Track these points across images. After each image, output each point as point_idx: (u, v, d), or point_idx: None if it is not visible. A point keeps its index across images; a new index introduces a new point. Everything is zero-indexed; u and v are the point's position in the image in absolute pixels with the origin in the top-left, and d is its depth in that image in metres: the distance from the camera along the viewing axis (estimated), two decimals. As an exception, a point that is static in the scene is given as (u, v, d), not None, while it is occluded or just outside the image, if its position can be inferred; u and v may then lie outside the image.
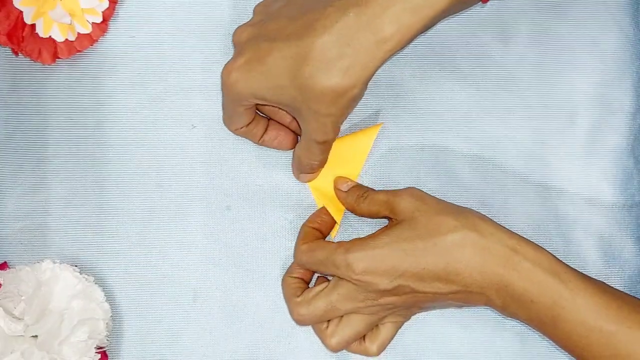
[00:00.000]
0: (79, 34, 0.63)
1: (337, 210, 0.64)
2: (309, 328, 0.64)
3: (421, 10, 0.53)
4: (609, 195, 0.65)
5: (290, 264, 0.64)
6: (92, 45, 0.64)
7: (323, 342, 0.61)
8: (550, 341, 0.58)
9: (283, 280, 0.63)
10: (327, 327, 0.61)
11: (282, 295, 0.64)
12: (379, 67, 0.55)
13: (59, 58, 0.64)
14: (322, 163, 0.62)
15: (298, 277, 0.62)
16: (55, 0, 0.62)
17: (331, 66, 0.54)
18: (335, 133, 0.58)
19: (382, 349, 0.61)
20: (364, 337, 0.61)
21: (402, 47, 0.54)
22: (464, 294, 0.57)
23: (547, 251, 0.57)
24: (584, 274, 0.57)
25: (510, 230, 0.58)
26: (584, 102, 0.65)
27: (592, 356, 0.55)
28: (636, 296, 0.63)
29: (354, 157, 0.64)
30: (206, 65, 0.65)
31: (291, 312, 0.61)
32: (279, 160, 0.65)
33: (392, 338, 0.61)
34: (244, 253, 0.65)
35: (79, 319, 0.60)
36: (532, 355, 0.64)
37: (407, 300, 0.58)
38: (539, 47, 0.66)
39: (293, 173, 0.64)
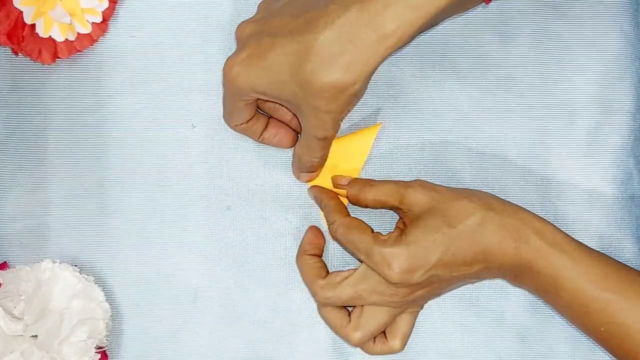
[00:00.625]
0: (79, 33, 0.64)
1: (337, 210, 0.64)
2: (309, 327, 0.64)
3: (422, 8, 0.53)
4: (609, 195, 0.65)
5: (290, 263, 0.64)
6: (92, 45, 0.64)
7: (344, 337, 0.60)
8: (555, 312, 0.61)
9: (300, 259, 0.62)
10: (349, 321, 0.60)
11: (281, 294, 0.64)
12: (380, 63, 0.55)
13: (59, 58, 0.64)
14: (322, 161, 0.62)
15: (315, 255, 0.62)
16: (55, 0, 0.62)
17: (332, 62, 0.54)
18: (335, 130, 0.58)
19: (405, 342, 0.61)
20: (384, 334, 0.61)
21: (404, 45, 0.55)
22: (484, 271, 0.59)
23: (551, 223, 0.59)
24: (586, 245, 0.59)
25: (514, 204, 0.60)
26: (584, 102, 0.65)
27: (592, 324, 0.58)
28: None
29: (354, 157, 0.64)
30: (206, 65, 0.65)
31: (314, 294, 0.61)
32: (279, 160, 0.65)
33: (412, 329, 0.61)
34: (244, 253, 0.65)
35: (78, 318, 0.60)
36: (532, 355, 0.64)
37: (432, 290, 0.59)
38: (540, 47, 0.66)
39: (293, 173, 0.64)
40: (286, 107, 0.61)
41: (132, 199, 0.64)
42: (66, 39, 0.63)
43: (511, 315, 0.65)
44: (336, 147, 0.63)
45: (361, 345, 0.61)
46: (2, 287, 0.60)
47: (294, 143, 0.64)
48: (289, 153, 0.64)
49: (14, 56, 0.64)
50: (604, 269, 0.58)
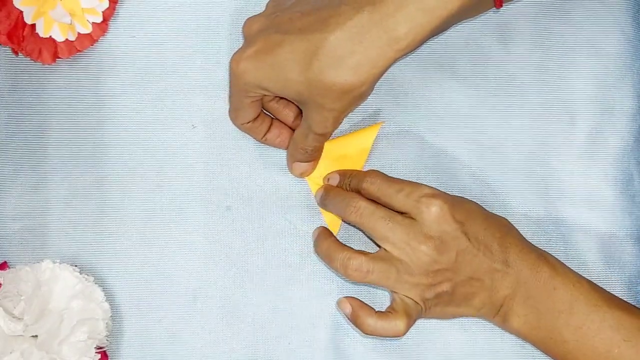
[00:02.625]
0: (79, 33, 0.63)
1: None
2: (308, 328, 0.64)
3: (434, 11, 0.53)
4: (610, 196, 0.65)
5: (290, 263, 0.64)
6: (92, 45, 0.64)
7: (341, 266, 0.59)
8: (561, 343, 0.60)
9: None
10: (353, 251, 0.59)
11: (281, 295, 0.64)
12: (388, 66, 0.55)
13: (59, 58, 0.64)
14: (316, 152, 0.62)
15: None
16: (56, 0, 0.62)
17: (341, 63, 0.54)
18: (335, 127, 0.59)
19: (409, 326, 0.59)
20: (389, 313, 0.59)
21: (414, 48, 0.55)
22: (501, 277, 0.59)
23: None
24: None
25: None
26: (585, 103, 0.65)
27: (604, 345, 0.58)
28: (637, 297, 0.64)
29: (355, 157, 0.64)
30: (206, 66, 0.65)
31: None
32: (279, 160, 0.65)
33: (415, 319, 0.59)
34: (244, 253, 0.65)
35: (78, 319, 0.60)
36: (532, 356, 0.64)
37: (451, 274, 0.58)
38: (540, 49, 0.66)
39: (287, 163, 0.64)
40: (290, 101, 0.61)
41: (132, 199, 0.64)
42: (66, 39, 0.63)
43: (511, 317, 0.65)
44: (337, 146, 0.64)
45: (357, 274, 0.59)
46: (2, 287, 0.60)
47: (294, 145, 0.64)
48: (289, 154, 0.65)
49: (14, 56, 0.64)
50: (613, 294, 0.60)
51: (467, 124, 0.65)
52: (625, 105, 0.66)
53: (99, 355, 0.61)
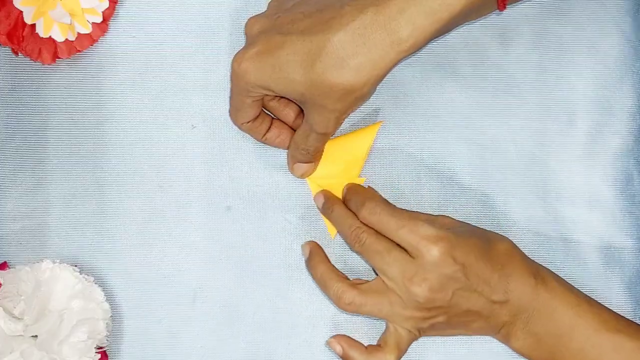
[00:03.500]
0: (79, 33, 0.63)
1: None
2: (308, 328, 0.64)
3: (436, 14, 0.54)
4: (609, 196, 0.65)
5: (290, 264, 0.64)
6: (92, 45, 0.64)
7: (334, 296, 0.60)
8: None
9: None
10: (349, 284, 0.60)
11: (281, 295, 0.64)
12: (391, 68, 0.55)
13: (59, 58, 0.64)
14: (317, 152, 0.62)
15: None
16: (56, 0, 0.62)
17: (344, 64, 0.55)
18: (336, 127, 0.59)
19: (400, 357, 0.60)
20: (380, 345, 0.60)
21: (416, 50, 0.55)
22: (500, 307, 0.58)
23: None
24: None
25: None
26: (584, 104, 0.65)
27: None
28: (637, 297, 0.64)
29: (354, 156, 0.64)
30: (206, 65, 0.65)
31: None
32: (279, 160, 0.65)
33: (406, 350, 0.60)
34: (244, 253, 0.64)
35: (78, 319, 0.60)
36: (532, 356, 0.64)
37: (450, 302, 0.58)
38: (540, 49, 0.66)
39: (288, 164, 0.64)
40: (291, 101, 0.61)
41: (132, 199, 0.64)
42: (66, 39, 0.63)
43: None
44: (336, 145, 0.64)
45: (350, 307, 0.59)
46: (2, 287, 0.60)
47: (294, 145, 0.64)
48: (289, 154, 0.65)
49: (14, 56, 0.64)
50: (613, 314, 0.59)
51: (467, 124, 0.65)
52: (625, 105, 0.66)
53: (99, 355, 0.61)
